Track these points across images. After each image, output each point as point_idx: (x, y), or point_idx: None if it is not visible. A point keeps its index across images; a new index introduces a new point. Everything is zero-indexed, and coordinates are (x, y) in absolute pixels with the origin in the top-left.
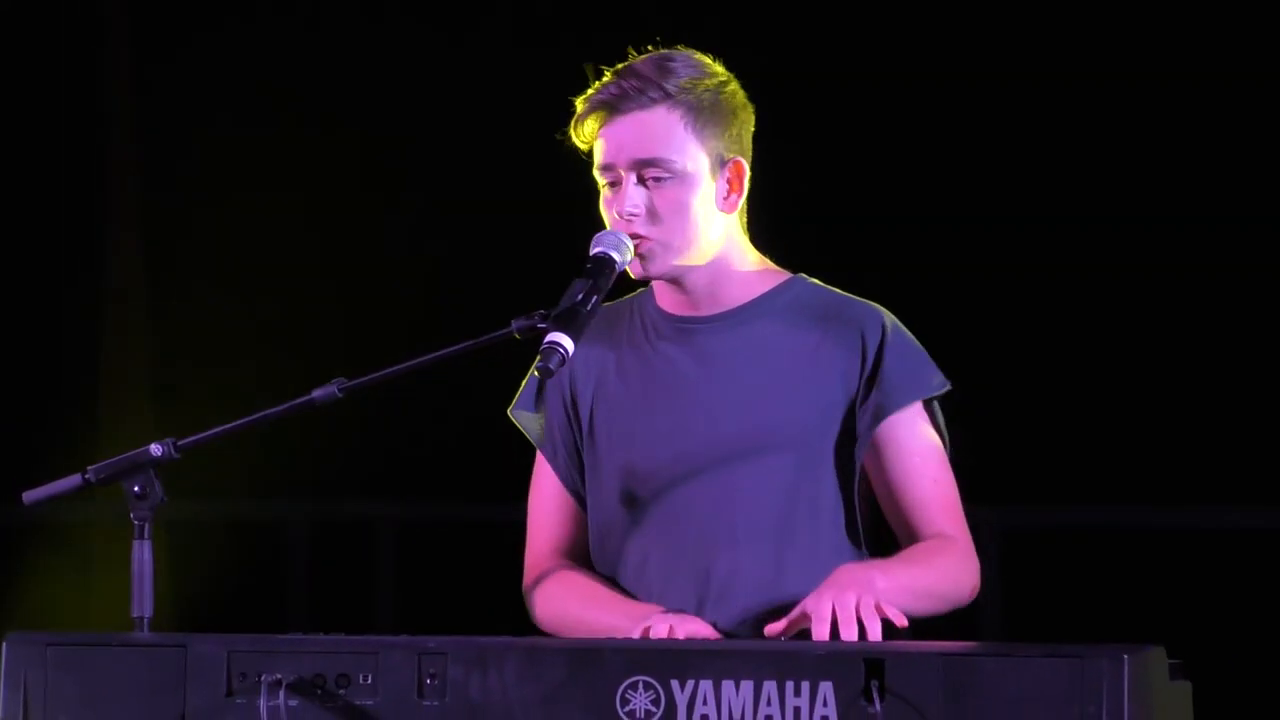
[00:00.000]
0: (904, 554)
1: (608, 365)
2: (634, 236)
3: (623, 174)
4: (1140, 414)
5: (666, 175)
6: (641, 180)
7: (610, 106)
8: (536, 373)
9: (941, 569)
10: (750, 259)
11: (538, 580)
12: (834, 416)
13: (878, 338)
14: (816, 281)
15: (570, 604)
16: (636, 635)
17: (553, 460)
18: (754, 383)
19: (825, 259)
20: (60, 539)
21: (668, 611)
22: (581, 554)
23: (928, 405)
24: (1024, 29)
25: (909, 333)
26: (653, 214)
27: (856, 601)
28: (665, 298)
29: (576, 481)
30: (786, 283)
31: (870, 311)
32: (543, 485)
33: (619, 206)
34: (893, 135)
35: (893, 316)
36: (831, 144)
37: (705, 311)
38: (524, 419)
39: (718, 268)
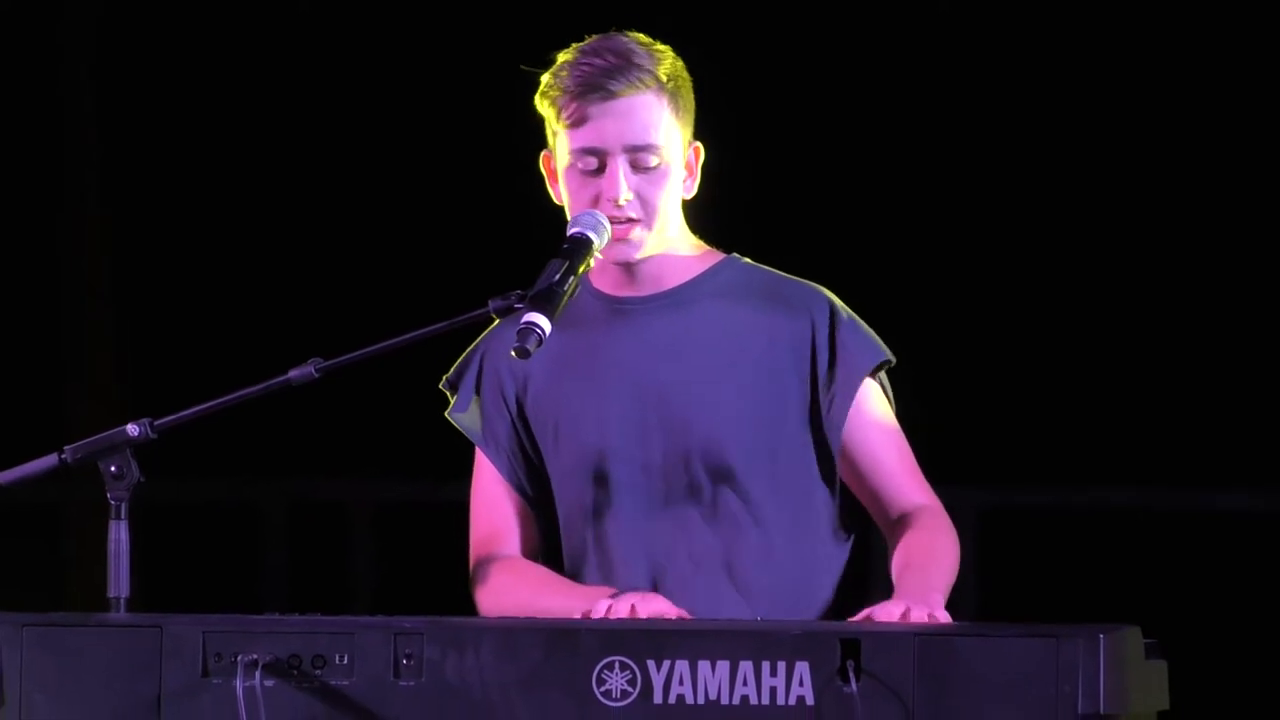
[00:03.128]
0: (921, 554)
1: (546, 356)
2: (624, 221)
3: (611, 158)
4: (1117, 395)
5: (657, 162)
6: (632, 166)
7: (599, 88)
8: (513, 353)
9: (949, 555)
10: (690, 241)
11: (483, 574)
12: (791, 396)
13: (826, 317)
14: (749, 261)
15: (519, 592)
16: (595, 615)
17: (495, 457)
18: (704, 362)
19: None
20: (35, 519)
21: (627, 591)
22: (526, 547)
23: (876, 377)
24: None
25: (850, 309)
26: (642, 198)
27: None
28: (604, 279)
29: (520, 476)
30: (722, 262)
31: (814, 291)
32: (484, 480)
33: (611, 192)
34: (858, 120)
35: (832, 294)
36: (781, 128)
37: (645, 291)
38: (462, 419)
39: (667, 253)
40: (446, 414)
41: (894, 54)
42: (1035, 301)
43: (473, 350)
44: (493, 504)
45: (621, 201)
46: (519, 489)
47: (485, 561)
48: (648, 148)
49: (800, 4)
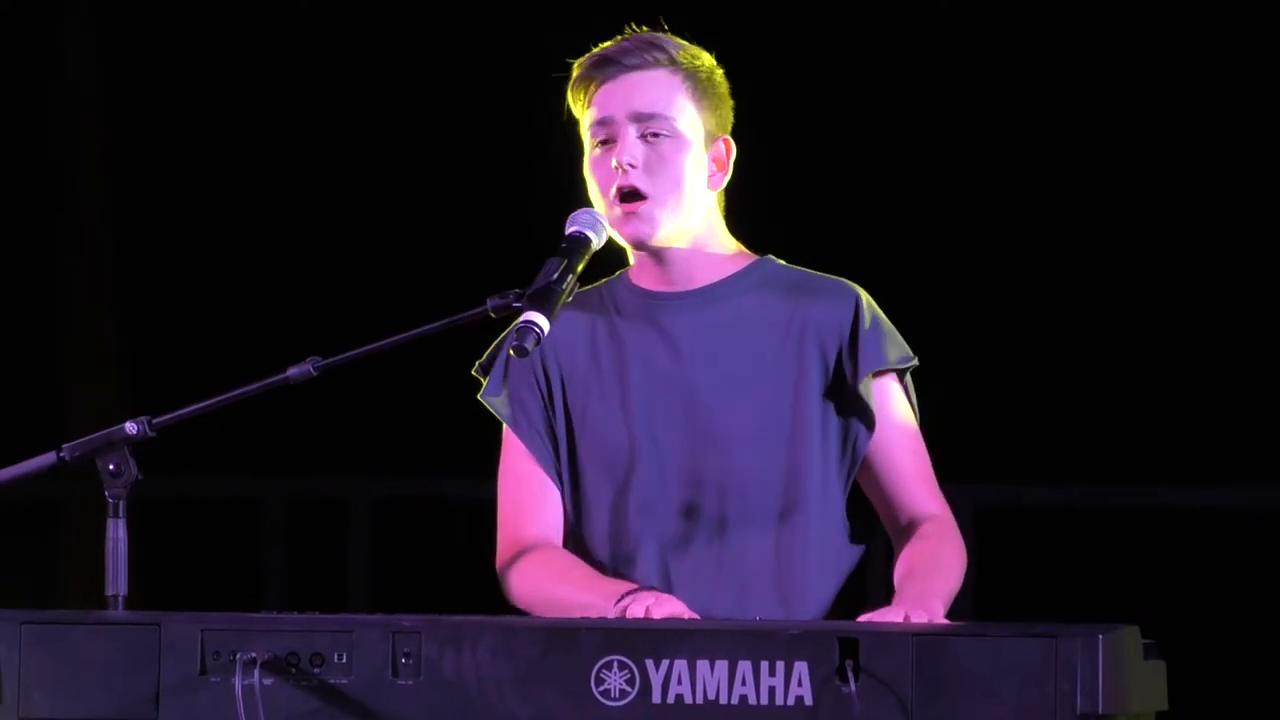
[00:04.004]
0: (924, 563)
1: (579, 345)
2: (630, 194)
3: (619, 128)
4: (1116, 394)
5: (665, 133)
6: (640, 136)
7: (612, 62)
8: (511, 352)
9: (955, 566)
10: (727, 242)
11: (514, 559)
12: (817, 395)
13: (852, 313)
14: (783, 263)
15: (545, 582)
16: (612, 613)
17: (528, 439)
18: (732, 360)
19: (808, 244)
20: (32, 517)
21: (644, 590)
22: (555, 531)
23: (901, 379)
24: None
25: (879, 308)
26: (650, 169)
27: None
28: (641, 275)
29: (550, 460)
30: (756, 263)
31: (843, 287)
32: (514, 464)
33: (618, 156)
34: (868, 122)
35: (864, 291)
36: (803, 130)
37: (679, 288)
38: (494, 402)
39: (697, 246)
40: (479, 396)
41: (892, 55)
42: (1036, 300)
43: (505, 336)
44: (521, 484)
45: (626, 165)
46: (547, 469)
47: (514, 545)
48: (653, 117)
49: (800, 7)
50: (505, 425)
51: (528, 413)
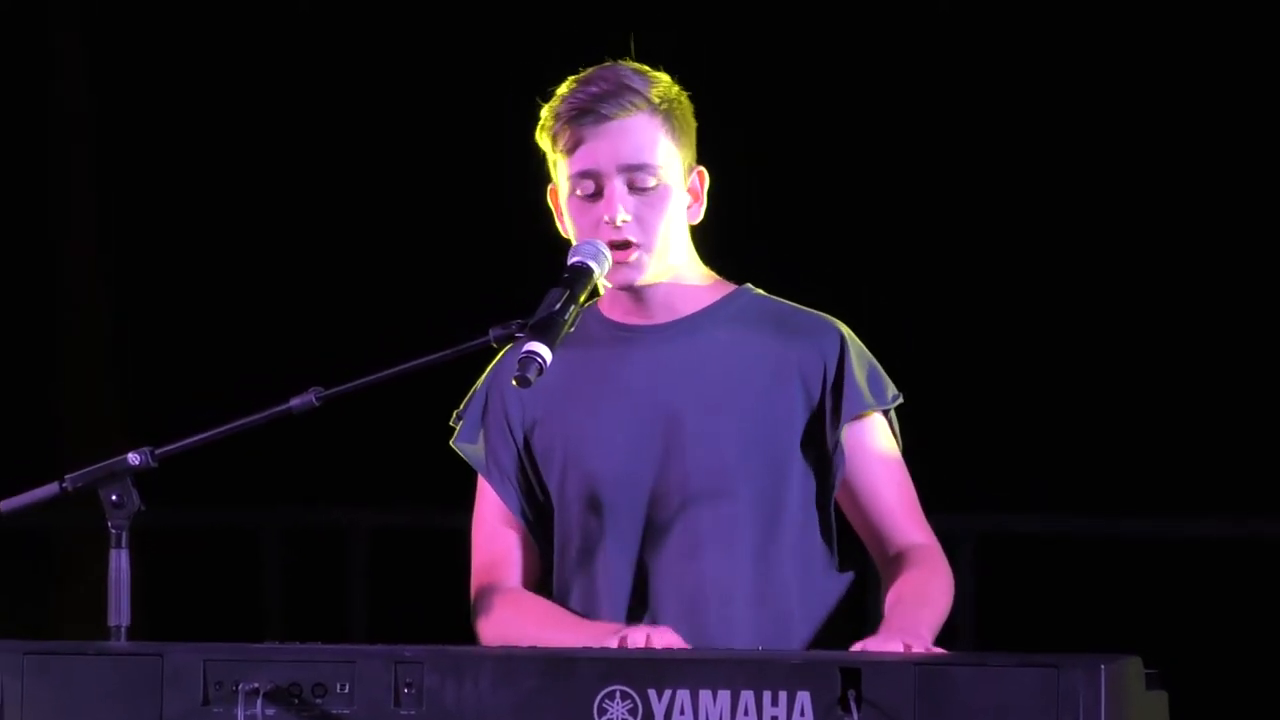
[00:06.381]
0: (914, 593)
1: (554, 386)
2: (623, 245)
3: (606, 180)
4: (1117, 422)
5: (653, 181)
6: (628, 186)
7: (591, 111)
8: (514, 382)
9: (943, 598)
10: (701, 271)
11: (485, 604)
12: (797, 426)
13: (836, 349)
14: (762, 292)
15: (524, 626)
16: (611, 644)
17: (499, 486)
18: (711, 392)
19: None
20: (32, 547)
21: (634, 625)
22: (527, 577)
23: (885, 414)
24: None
25: (861, 343)
26: (640, 219)
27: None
28: (616, 308)
29: (523, 505)
30: (734, 293)
31: (825, 322)
32: (487, 513)
33: (609, 213)
34: (852, 140)
35: (846, 327)
36: (779, 152)
37: (656, 320)
38: (467, 449)
39: (675, 280)
40: (451, 443)
41: (891, 59)
42: (1035, 327)
43: (481, 383)
44: (494, 533)
45: (619, 222)
46: (521, 518)
47: (487, 592)
48: (643, 167)
49: (798, 11)
50: (479, 473)
51: (499, 461)
